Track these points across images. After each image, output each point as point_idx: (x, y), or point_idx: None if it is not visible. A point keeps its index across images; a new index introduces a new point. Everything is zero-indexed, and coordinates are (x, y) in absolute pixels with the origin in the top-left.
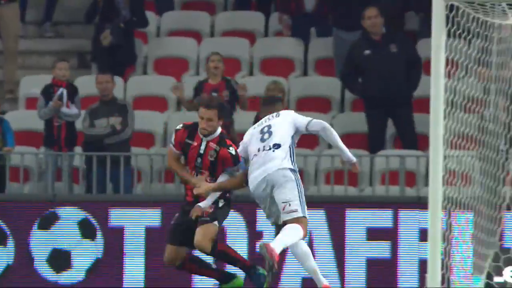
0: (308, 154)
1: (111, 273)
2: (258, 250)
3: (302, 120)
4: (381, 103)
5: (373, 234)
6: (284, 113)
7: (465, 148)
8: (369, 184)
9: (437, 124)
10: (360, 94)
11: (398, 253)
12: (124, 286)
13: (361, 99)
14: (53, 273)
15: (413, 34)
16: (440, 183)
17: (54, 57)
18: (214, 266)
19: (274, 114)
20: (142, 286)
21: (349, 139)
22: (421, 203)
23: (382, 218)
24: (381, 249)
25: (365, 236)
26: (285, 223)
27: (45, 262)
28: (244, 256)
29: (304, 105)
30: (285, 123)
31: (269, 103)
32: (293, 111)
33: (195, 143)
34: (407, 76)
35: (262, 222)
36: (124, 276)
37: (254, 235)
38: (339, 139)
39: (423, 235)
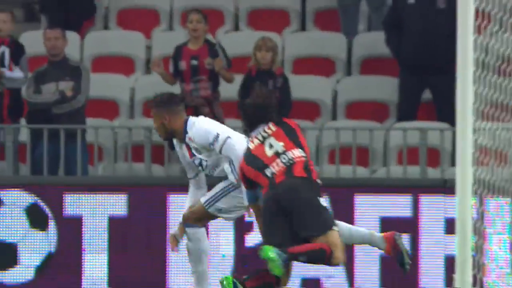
0: (308, 127)
1: (67, 271)
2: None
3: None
4: (419, 65)
5: (388, 224)
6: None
7: (499, 119)
8: (383, 164)
9: (465, 91)
10: (396, 52)
11: (419, 248)
12: (83, 287)
13: (374, 60)
14: None
15: None
16: (469, 162)
17: None
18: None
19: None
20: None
21: (358, 108)
22: (446, 187)
23: (399, 205)
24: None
25: (378, 227)
26: None
27: None
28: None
29: (302, 66)
30: None
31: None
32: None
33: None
34: (453, 39)
35: None
36: (82, 276)
37: (243, 226)
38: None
39: (449, 226)
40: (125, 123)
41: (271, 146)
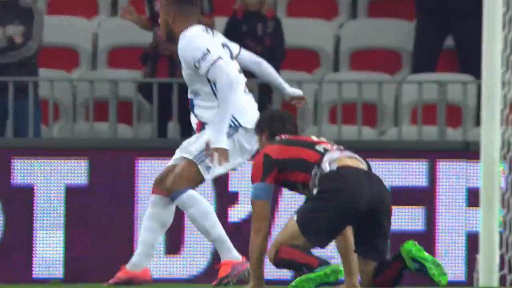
0: (305, 79)
1: (15, 250)
2: None
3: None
4: (440, 6)
5: (401, 196)
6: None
7: None
8: (394, 123)
9: (492, 36)
10: None
11: (436, 223)
12: (34, 273)
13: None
14: None
15: None
16: (497, 122)
17: None
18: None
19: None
20: (61, 272)
21: (364, 57)
22: (469, 151)
23: (413, 172)
24: (412, 218)
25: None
26: None
27: None
28: None
29: (297, 7)
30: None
31: None
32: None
33: None
34: None
35: (236, 182)
36: (34, 256)
37: (226, 197)
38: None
39: (472, 197)
40: (86, 74)
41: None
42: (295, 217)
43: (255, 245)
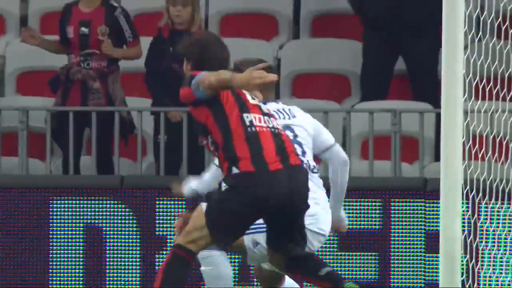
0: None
1: None
2: None
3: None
4: (388, 24)
5: (350, 240)
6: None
7: (498, 97)
8: None
9: (452, 58)
10: (357, 6)
11: (390, 272)
12: None
13: (328, 17)
14: None
15: None
16: (459, 156)
17: None
18: None
19: (281, 106)
20: None
21: (307, 82)
22: (427, 191)
23: (364, 214)
24: (363, 265)
25: (335, 242)
26: None
27: None
28: None
29: (232, 26)
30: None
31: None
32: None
33: None
34: None
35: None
36: None
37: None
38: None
39: (430, 242)
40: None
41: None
42: (203, 206)
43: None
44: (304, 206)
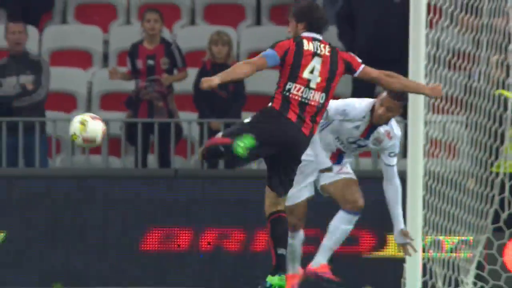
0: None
1: None
2: None
3: None
4: (372, 59)
5: None
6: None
7: (450, 112)
8: None
9: (417, 74)
10: (349, 46)
11: None
12: None
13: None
14: None
15: None
16: (420, 154)
17: None
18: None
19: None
20: None
21: None
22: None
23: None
24: None
25: None
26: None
27: None
28: None
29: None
30: None
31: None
32: None
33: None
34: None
35: None
36: None
37: None
38: None
39: None
40: None
41: (312, 70)
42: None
43: (240, 67)
44: (296, 159)
